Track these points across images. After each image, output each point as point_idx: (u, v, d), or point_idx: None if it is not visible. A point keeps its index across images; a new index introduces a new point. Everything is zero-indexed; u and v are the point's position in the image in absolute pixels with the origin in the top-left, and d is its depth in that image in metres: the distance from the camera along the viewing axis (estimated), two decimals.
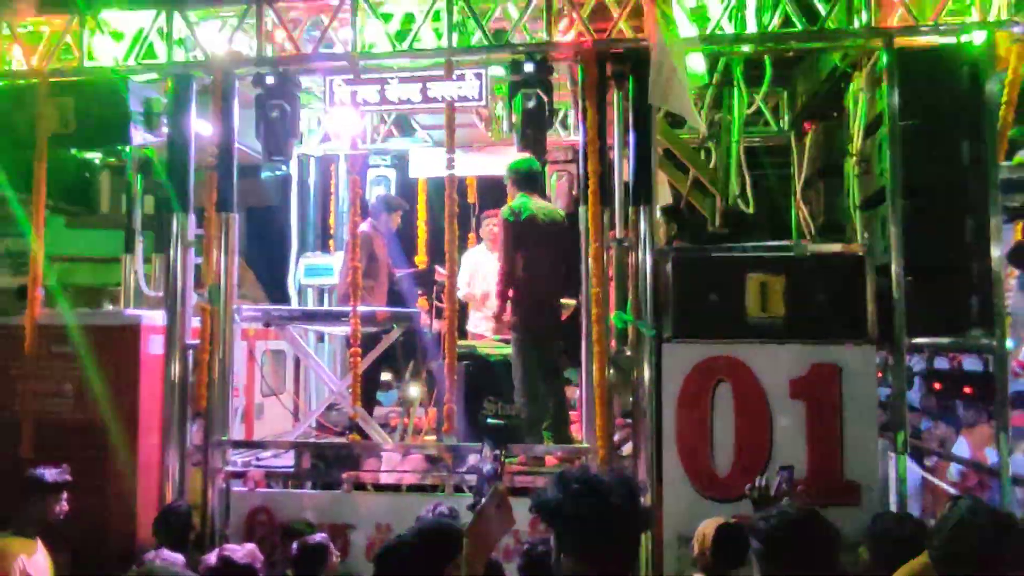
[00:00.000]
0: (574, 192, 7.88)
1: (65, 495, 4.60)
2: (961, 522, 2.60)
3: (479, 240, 8.19)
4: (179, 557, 4.34)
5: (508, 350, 6.63)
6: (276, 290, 8.14)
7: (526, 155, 6.39)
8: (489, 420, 6.32)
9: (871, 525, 3.86)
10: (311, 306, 8.19)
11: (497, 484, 1.97)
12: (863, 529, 4.02)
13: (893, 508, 5.03)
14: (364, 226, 7.17)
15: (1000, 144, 5.27)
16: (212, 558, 3.84)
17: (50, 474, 4.50)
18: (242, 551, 3.78)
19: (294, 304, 8.19)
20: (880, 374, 5.54)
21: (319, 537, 4.52)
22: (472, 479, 5.86)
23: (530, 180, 6.46)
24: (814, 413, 5.06)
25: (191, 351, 5.93)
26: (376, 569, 2.79)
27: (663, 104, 5.37)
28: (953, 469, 7.01)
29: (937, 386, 6.11)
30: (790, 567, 2.21)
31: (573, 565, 2.06)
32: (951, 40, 5.34)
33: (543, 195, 7.01)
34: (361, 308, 6.09)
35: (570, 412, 6.45)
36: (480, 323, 7.89)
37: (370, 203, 7.92)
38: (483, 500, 1.87)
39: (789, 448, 5.04)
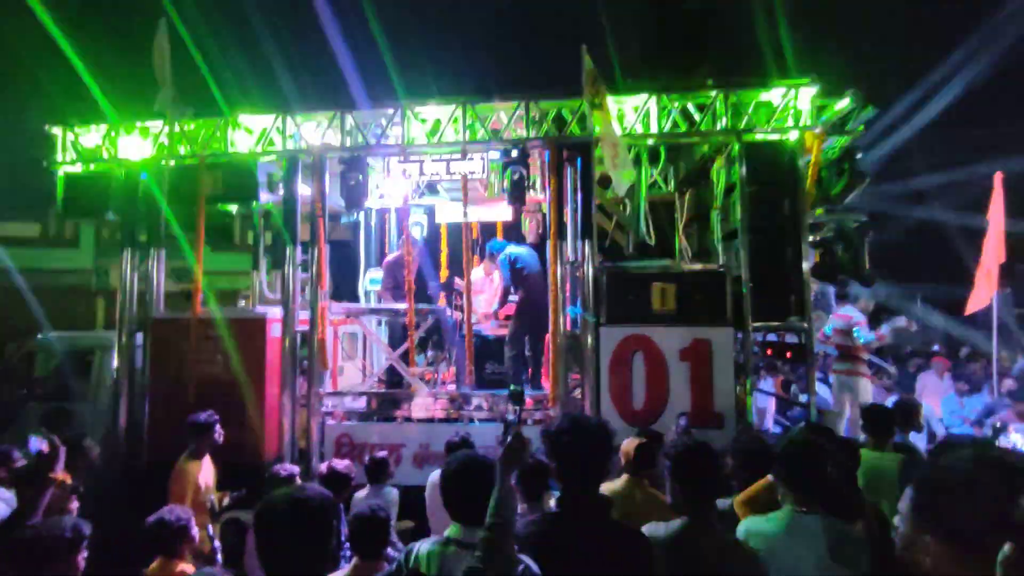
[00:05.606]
0: (539, 231, 7.89)
1: (217, 429, 4.43)
2: (792, 439, 2.57)
3: (480, 262, 8.02)
4: (296, 468, 4.16)
5: (501, 332, 6.63)
6: (350, 293, 7.99)
7: (497, 239, 7.02)
8: (488, 376, 6.32)
9: (734, 441, 3.81)
10: (373, 304, 8.06)
11: (518, 427, 1.95)
12: (728, 444, 4.03)
13: None
14: (392, 256, 7.36)
15: (807, 201, 5.38)
16: (323, 467, 3.74)
17: (202, 417, 4.35)
18: (343, 464, 3.66)
19: (363, 303, 8.08)
20: None
21: (382, 453, 4.42)
22: (478, 414, 5.88)
23: (506, 244, 6.89)
24: (695, 369, 5.12)
25: (299, 334, 5.87)
26: None
27: (615, 172, 5.23)
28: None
29: (769, 352, 6.19)
30: (691, 478, 2.19)
31: (566, 476, 2.00)
32: (778, 136, 5.44)
33: (521, 243, 7.14)
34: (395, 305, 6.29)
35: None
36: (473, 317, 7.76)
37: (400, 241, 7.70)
38: (508, 437, 1.86)
39: (680, 392, 5.10)
